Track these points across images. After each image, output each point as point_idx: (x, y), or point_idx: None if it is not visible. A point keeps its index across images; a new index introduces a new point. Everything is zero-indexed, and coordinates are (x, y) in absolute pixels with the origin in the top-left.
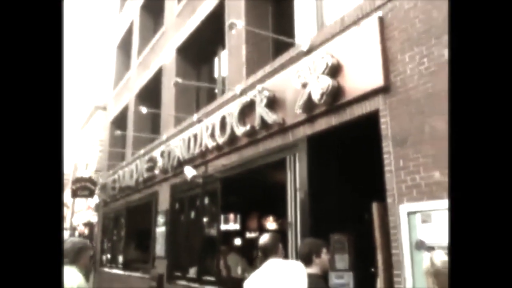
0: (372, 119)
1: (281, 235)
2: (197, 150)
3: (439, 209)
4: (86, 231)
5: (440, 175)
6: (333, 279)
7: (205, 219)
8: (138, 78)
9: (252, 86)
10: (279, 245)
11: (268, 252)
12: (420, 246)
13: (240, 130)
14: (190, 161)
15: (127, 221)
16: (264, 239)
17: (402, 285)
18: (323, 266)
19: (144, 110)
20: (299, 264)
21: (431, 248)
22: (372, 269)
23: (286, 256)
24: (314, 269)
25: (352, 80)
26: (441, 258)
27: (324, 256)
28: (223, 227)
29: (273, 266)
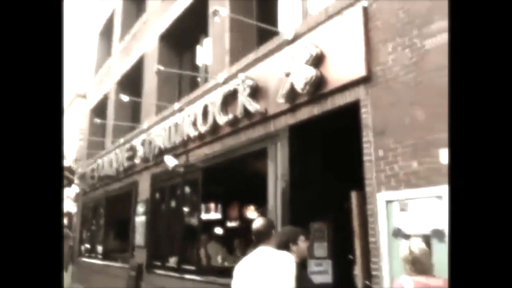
0: (354, 109)
1: (272, 220)
2: (178, 139)
3: (416, 198)
4: (65, 221)
5: (418, 165)
6: (312, 267)
7: (185, 209)
8: (119, 66)
9: (235, 75)
10: (272, 231)
11: (261, 237)
12: (397, 234)
13: (222, 119)
14: (171, 150)
15: (106, 211)
16: (258, 224)
17: (379, 272)
18: (300, 253)
19: (125, 98)
20: (288, 255)
21: (408, 236)
22: (350, 257)
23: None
24: (271, 245)
25: (334, 70)
26: (418, 245)
27: (301, 243)
28: (204, 216)
29: (263, 254)
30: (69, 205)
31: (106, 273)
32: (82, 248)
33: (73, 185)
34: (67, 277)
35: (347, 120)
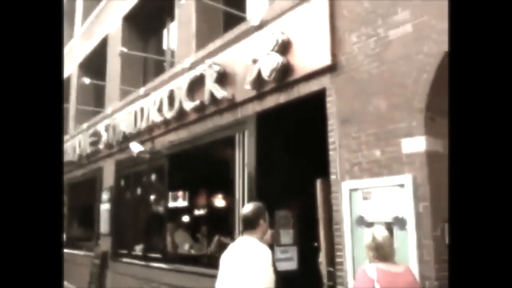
0: (320, 97)
1: (264, 206)
2: (143, 125)
3: (379, 187)
4: None
5: (381, 154)
6: (278, 254)
7: (152, 196)
8: (81, 48)
9: (201, 60)
10: (260, 219)
11: (247, 224)
12: (360, 222)
13: (188, 105)
14: (136, 136)
15: (69, 198)
16: (246, 209)
17: (342, 259)
18: (264, 232)
19: (87, 81)
20: (266, 249)
21: (370, 224)
22: (316, 244)
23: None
24: (256, 235)
25: (301, 58)
26: (381, 233)
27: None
28: (171, 204)
29: (243, 246)
30: None
31: (70, 261)
32: None
33: None
34: None
35: (313, 109)
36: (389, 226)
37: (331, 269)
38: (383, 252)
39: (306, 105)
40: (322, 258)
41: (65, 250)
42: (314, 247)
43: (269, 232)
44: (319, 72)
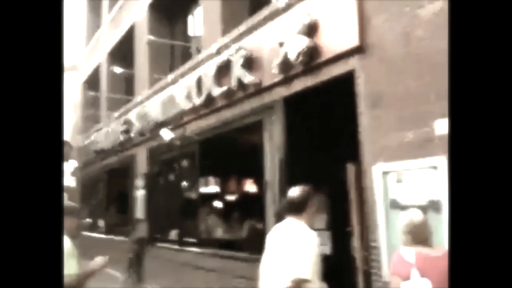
0: (348, 79)
1: (312, 189)
2: (173, 112)
3: (411, 169)
4: (65, 196)
5: (413, 136)
6: None
7: (184, 182)
8: (109, 36)
9: (228, 45)
10: (307, 204)
11: (292, 208)
12: (394, 205)
13: (216, 91)
14: (166, 123)
15: (105, 185)
16: (292, 193)
17: (377, 243)
18: (312, 216)
19: (117, 70)
20: (312, 235)
21: (404, 208)
22: (349, 228)
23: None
24: (303, 219)
25: (328, 40)
26: (417, 216)
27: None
28: (202, 189)
29: (287, 228)
30: (69, 180)
31: (108, 247)
32: (83, 223)
33: (70, 160)
34: (75, 252)
35: (342, 91)
36: (423, 210)
37: (365, 253)
38: (419, 236)
39: (334, 87)
40: (355, 242)
41: (104, 236)
42: (347, 231)
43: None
44: (347, 54)
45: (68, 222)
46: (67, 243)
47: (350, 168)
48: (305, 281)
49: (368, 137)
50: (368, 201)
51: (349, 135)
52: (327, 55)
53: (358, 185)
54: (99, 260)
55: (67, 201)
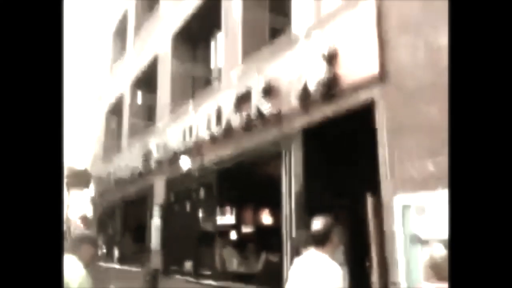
0: (368, 108)
1: (335, 220)
2: (192, 141)
3: (433, 202)
4: (81, 224)
5: (434, 166)
6: None
7: (200, 212)
8: (134, 66)
9: (248, 74)
10: (330, 234)
11: (316, 240)
12: (414, 240)
13: (235, 121)
14: (185, 152)
15: (122, 214)
16: (316, 225)
17: (396, 279)
18: (335, 248)
19: (139, 99)
20: (336, 267)
21: (425, 242)
22: (367, 264)
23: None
24: (327, 251)
25: (348, 69)
26: (440, 252)
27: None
28: (219, 220)
29: (311, 261)
30: (86, 209)
31: (122, 277)
32: (99, 252)
33: (89, 188)
34: (90, 281)
35: (361, 120)
36: (445, 244)
37: None
38: (442, 272)
39: (354, 117)
40: (375, 278)
41: (118, 266)
42: (366, 267)
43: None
44: (367, 83)
45: (84, 250)
46: (82, 272)
47: (370, 200)
48: None
49: (388, 168)
50: (387, 235)
51: (368, 166)
52: (347, 84)
53: (377, 218)
54: None
55: (84, 230)
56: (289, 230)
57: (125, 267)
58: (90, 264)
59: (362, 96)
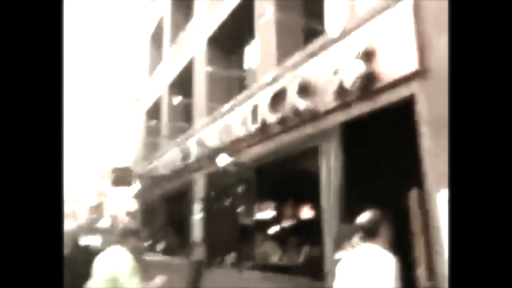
0: (408, 104)
1: (384, 213)
2: (229, 139)
3: None
4: (127, 219)
5: None
6: None
7: (240, 207)
8: (170, 69)
9: (283, 74)
10: (380, 227)
11: (366, 233)
12: None
13: (271, 118)
14: (223, 150)
15: (165, 209)
16: (364, 218)
17: (442, 274)
18: (384, 241)
19: (177, 100)
20: (390, 257)
21: None
22: (412, 258)
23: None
24: (378, 243)
25: (386, 65)
26: None
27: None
28: (259, 215)
29: (364, 254)
30: (131, 204)
31: (167, 269)
32: (144, 245)
33: (133, 185)
34: (135, 277)
35: (401, 116)
36: None
37: (431, 283)
38: None
39: (393, 113)
40: (420, 273)
41: (162, 258)
42: (410, 261)
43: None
44: (406, 78)
45: (131, 242)
46: (130, 262)
47: (413, 195)
48: None
49: (431, 163)
50: (432, 229)
51: (410, 161)
52: (385, 81)
53: (422, 213)
54: (158, 280)
55: (129, 222)
56: (329, 224)
57: (169, 259)
58: (137, 255)
59: (402, 92)
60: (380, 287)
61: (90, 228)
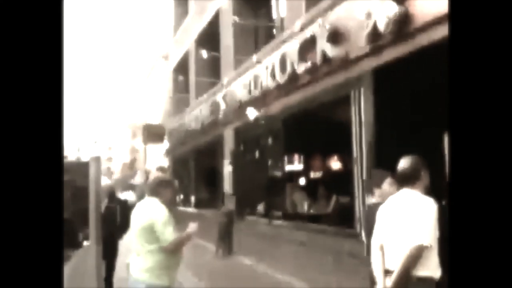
0: (443, 46)
1: (422, 159)
2: (258, 92)
3: None
4: (159, 174)
5: None
6: None
7: (269, 159)
8: (196, 23)
9: (312, 21)
10: (420, 173)
11: (405, 179)
12: None
13: (300, 68)
14: (251, 103)
15: (196, 163)
16: (403, 164)
17: None
18: (383, 197)
19: (204, 54)
20: (430, 201)
21: None
22: (443, 203)
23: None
24: (419, 188)
25: (420, 5)
26: None
27: (386, 186)
28: (287, 167)
29: (404, 198)
30: (162, 160)
31: (199, 220)
32: (177, 198)
33: (164, 141)
34: (170, 226)
35: (436, 59)
36: None
37: None
38: None
39: (428, 55)
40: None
41: (194, 210)
42: (443, 205)
43: (391, 187)
44: (443, 18)
45: (165, 193)
46: (165, 212)
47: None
48: (426, 247)
49: None
50: None
51: (444, 105)
52: (420, 22)
53: None
54: (192, 225)
55: (163, 175)
56: (360, 174)
57: (201, 211)
58: (170, 207)
59: (438, 33)
60: (422, 231)
61: (125, 184)
